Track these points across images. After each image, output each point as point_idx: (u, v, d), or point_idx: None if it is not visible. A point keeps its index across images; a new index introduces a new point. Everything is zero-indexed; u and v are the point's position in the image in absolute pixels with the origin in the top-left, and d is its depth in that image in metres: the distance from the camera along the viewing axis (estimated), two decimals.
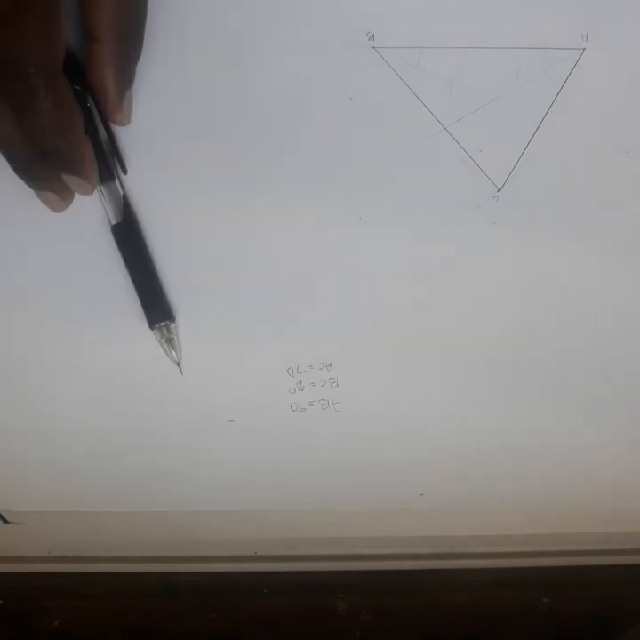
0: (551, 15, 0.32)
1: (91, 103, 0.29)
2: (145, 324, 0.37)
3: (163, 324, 0.30)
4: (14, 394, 0.40)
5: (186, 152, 0.34)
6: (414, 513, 0.46)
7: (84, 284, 0.37)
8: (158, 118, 0.33)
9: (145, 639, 0.49)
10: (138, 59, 0.30)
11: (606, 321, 0.39)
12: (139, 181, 0.34)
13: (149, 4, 0.29)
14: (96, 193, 0.31)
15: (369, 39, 0.33)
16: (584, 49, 0.32)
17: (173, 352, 0.29)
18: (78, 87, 0.28)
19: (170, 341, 0.29)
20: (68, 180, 0.30)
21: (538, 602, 0.50)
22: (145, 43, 0.30)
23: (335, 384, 0.40)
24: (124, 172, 0.31)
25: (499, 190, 0.35)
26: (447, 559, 0.50)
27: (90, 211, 0.35)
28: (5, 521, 0.47)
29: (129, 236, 0.31)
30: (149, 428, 0.41)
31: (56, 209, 0.32)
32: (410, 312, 0.38)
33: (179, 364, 0.30)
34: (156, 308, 0.29)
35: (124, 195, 0.31)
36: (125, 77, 0.30)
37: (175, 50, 0.32)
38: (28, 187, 0.31)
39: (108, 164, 0.30)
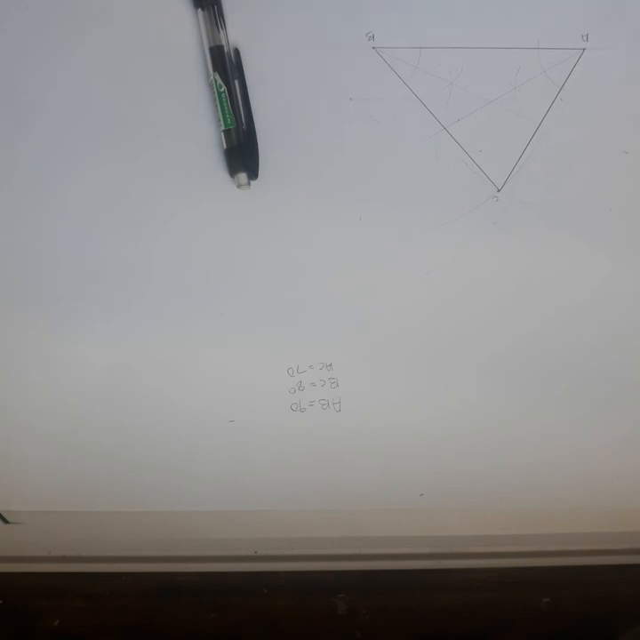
0: (551, 15, 0.32)
1: None
2: (142, 325, 0.37)
3: None
4: (14, 394, 0.40)
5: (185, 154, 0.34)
6: (414, 513, 0.46)
7: (84, 282, 0.37)
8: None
9: (145, 639, 0.49)
10: None
11: (606, 320, 0.39)
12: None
13: None
14: None
15: (369, 39, 0.33)
16: (584, 49, 0.32)
17: None
18: None
19: None
20: None
21: (538, 602, 0.50)
22: None
23: (335, 384, 0.40)
24: None
25: (499, 190, 0.35)
26: (447, 559, 0.50)
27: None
28: (5, 521, 0.47)
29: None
30: (150, 429, 0.41)
31: None
32: (410, 312, 0.38)
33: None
34: None
35: None
36: None
37: None
38: None
39: None
